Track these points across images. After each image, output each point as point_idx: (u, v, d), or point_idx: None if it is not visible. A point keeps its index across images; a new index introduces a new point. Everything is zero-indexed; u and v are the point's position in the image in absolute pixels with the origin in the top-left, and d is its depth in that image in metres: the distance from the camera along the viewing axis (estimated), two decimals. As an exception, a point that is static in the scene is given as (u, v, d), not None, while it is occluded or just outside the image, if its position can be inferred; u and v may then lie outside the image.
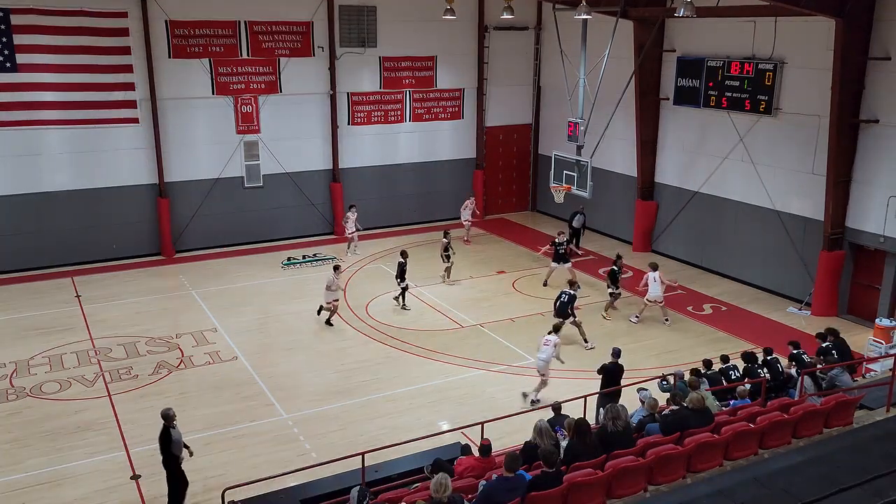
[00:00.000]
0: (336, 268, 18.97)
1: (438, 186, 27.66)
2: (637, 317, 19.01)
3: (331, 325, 18.53)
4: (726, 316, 19.37)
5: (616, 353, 13.75)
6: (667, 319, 18.82)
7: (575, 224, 24.78)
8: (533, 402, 14.67)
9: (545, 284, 21.40)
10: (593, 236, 26.28)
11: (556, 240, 21.53)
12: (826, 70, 18.16)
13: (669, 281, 20.01)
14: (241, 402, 14.97)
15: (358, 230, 23.93)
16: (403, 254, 19.84)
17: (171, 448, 11.27)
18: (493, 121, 28.41)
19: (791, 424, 10.12)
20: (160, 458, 11.42)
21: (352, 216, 23.67)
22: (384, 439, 12.74)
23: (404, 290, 19.72)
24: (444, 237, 21.88)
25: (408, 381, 15.87)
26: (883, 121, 17.80)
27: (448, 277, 21.75)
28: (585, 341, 17.41)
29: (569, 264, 21.32)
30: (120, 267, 22.82)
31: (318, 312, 18.89)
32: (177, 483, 11.47)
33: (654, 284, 18.57)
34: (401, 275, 19.56)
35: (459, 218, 26.02)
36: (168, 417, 11.30)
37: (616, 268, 19.49)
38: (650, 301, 18.74)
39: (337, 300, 18.75)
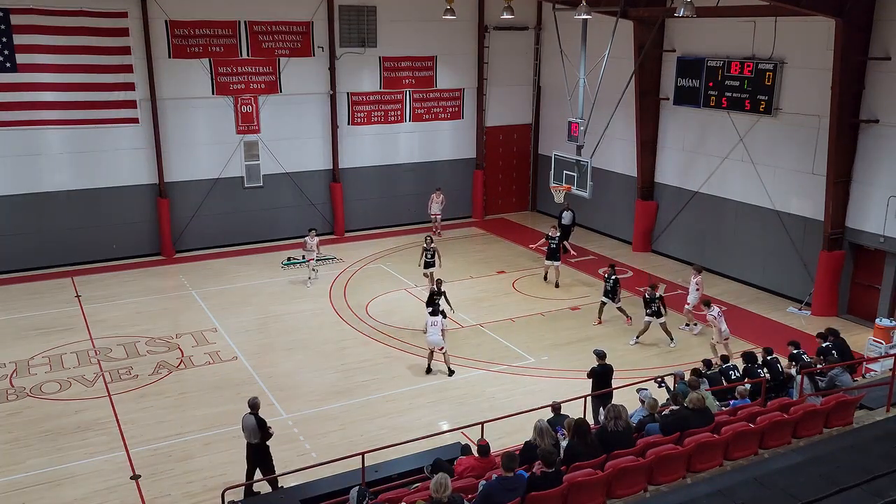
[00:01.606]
0: (436, 312, 16.53)
1: (438, 186, 27.64)
2: (691, 325, 18.56)
3: (452, 371, 16.25)
4: (726, 316, 19.26)
5: (601, 355, 13.74)
6: (687, 325, 18.57)
7: (564, 221, 24.75)
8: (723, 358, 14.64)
9: (545, 279, 21.67)
10: (593, 236, 26.31)
11: (549, 234, 21.53)
12: (826, 70, 18.17)
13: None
14: (241, 402, 14.82)
15: (318, 255, 21.89)
16: (438, 282, 18.17)
17: (269, 433, 11.67)
18: (493, 121, 28.41)
19: (791, 424, 10.12)
20: (251, 444, 11.68)
21: (311, 241, 21.53)
22: (384, 439, 12.74)
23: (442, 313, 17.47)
24: (426, 241, 20.88)
25: (408, 381, 15.87)
26: (883, 121, 17.80)
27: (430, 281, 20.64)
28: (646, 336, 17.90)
29: (558, 263, 21.41)
30: (120, 267, 22.82)
31: (440, 371, 16.30)
32: (272, 464, 11.81)
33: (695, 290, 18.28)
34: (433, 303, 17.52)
35: (432, 214, 26.31)
36: (256, 406, 11.63)
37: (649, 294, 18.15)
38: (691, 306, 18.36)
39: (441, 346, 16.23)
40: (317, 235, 21.91)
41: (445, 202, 26.32)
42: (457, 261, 23.39)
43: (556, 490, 8.15)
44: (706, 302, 17.04)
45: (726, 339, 16.53)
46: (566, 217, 24.70)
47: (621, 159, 25.21)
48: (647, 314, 17.59)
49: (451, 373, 16.16)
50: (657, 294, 17.66)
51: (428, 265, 20.70)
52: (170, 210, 23.68)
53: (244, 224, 24.89)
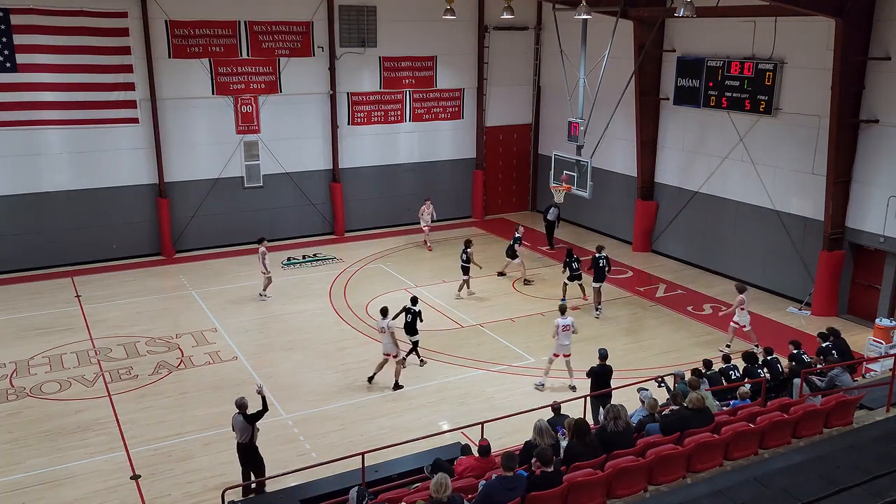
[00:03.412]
0: (384, 311, 15.68)
1: (438, 186, 27.64)
2: (728, 345, 17.12)
3: (398, 385, 15.57)
4: (726, 316, 19.35)
5: (603, 356, 13.74)
6: (757, 346, 16.55)
7: (549, 217, 24.96)
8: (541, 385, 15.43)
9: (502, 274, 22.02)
10: (593, 236, 26.27)
11: (517, 234, 21.76)
12: (826, 70, 18.17)
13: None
14: (241, 402, 14.97)
15: (266, 272, 20.13)
16: (414, 300, 16.92)
17: (264, 409, 11.86)
18: (493, 121, 28.40)
19: (791, 424, 10.12)
20: (240, 443, 11.76)
21: (263, 250, 20.00)
22: (384, 439, 12.75)
23: (415, 344, 16.68)
24: (467, 247, 20.52)
25: (407, 381, 15.84)
26: (883, 121, 17.80)
27: (466, 289, 20.58)
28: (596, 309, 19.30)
29: (518, 260, 21.57)
30: (120, 267, 22.82)
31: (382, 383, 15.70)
32: (262, 465, 11.96)
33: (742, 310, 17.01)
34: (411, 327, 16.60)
35: (423, 226, 24.74)
36: (243, 406, 11.65)
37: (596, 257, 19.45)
38: (739, 325, 17.13)
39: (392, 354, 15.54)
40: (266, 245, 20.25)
41: (434, 213, 25.16)
42: (457, 261, 23.36)
43: (556, 490, 8.15)
44: (562, 308, 15.82)
45: (567, 355, 15.36)
46: (552, 213, 24.92)
47: (621, 159, 25.21)
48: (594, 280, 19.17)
49: (396, 386, 15.46)
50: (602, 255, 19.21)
51: (465, 270, 20.49)
52: (170, 210, 23.67)
53: (244, 224, 24.85)
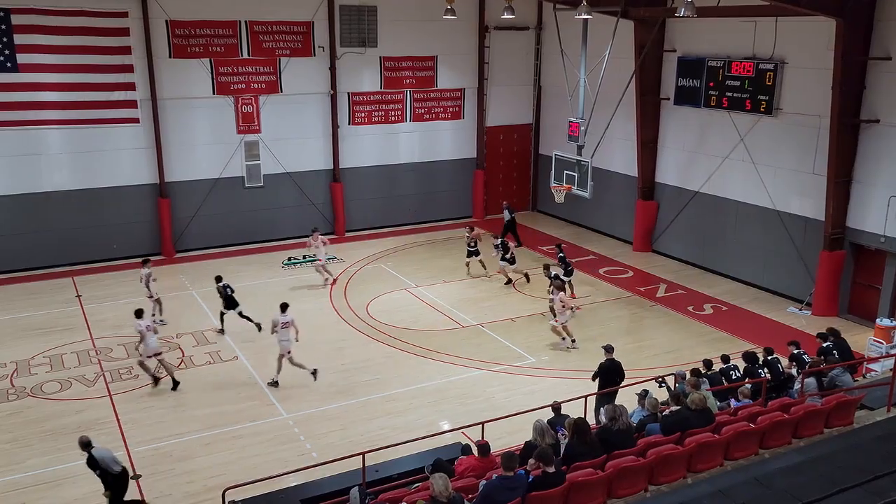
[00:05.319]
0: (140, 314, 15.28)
1: (438, 186, 27.66)
2: (567, 339, 17.38)
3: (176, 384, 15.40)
4: (726, 316, 19.36)
5: (609, 349, 13.68)
6: (573, 340, 17.37)
7: (506, 218, 25.21)
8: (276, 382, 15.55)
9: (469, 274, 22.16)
10: (593, 236, 26.29)
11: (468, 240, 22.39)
12: (826, 70, 18.16)
13: None
14: (241, 402, 14.97)
15: (152, 295, 18.59)
16: (218, 278, 18.11)
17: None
18: (494, 121, 28.41)
19: (791, 424, 10.11)
20: (115, 473, 11.06)
21: (146, 272, 18.54)
22: (384, 439, 12.74)
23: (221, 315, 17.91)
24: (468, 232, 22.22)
25: (408, 381, 15.85)
26: (883, 121, 17.79)
27: (468, 270, 22.13)
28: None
29: (479, 256, 22.20)
30: (120, 267, 22.81)
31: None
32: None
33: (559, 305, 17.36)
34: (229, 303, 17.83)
35: (318, 259, 21.46)
36: (89, 443, 10.95)
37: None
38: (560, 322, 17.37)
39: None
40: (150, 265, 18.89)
41: (326, 242, 21.75)
42: (457, 260, 23.36)
43: (557, 490, 8.14)
44: (283, 306, 15.65)
45: (288, 352, 15.30)
46: (506, 214, 25.27)
47: (622, 159, 25.20)
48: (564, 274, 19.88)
49: (166, 383, 15.41)
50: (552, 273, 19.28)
51: (471, 254, 22.09)
52: (170, 210, 23.68)
53: (244, 224, 24.88)
